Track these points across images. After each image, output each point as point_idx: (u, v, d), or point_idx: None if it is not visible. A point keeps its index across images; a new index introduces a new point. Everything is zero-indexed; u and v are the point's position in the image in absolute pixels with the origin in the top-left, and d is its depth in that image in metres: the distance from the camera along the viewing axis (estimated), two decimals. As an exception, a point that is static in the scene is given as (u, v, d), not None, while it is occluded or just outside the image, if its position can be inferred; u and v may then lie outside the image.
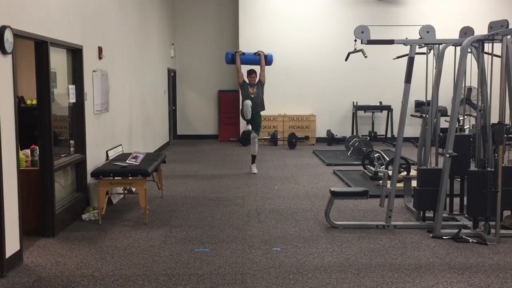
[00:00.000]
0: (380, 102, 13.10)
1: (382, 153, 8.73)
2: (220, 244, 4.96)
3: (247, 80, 8.89)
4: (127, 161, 6.04)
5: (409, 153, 9.89)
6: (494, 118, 5.05)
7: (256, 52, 9.17)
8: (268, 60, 9.17)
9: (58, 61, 5.53)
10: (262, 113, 8.95)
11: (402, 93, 5.53)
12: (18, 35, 4.37)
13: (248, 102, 8.61)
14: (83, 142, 5.97)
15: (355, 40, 5.63)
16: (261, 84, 8.89)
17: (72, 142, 5.93)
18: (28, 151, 5.39)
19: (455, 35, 5.98)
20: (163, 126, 12.09)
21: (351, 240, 5.10)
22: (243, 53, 9.10)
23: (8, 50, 4.13)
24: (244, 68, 9.03)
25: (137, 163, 6.01)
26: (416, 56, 5.55)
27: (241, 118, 9.41)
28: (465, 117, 9.58)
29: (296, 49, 13.22)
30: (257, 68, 8.98)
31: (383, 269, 4.32)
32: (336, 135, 13.06)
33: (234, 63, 9.01)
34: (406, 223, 5.64)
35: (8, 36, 4.11)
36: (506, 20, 5.22)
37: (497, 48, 5.12)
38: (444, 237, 5.13)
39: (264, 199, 6.93)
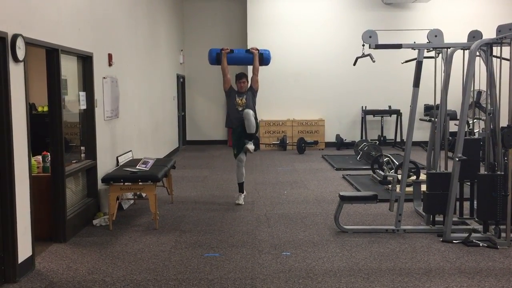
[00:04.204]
0: (389, 106, 13.08)
1: (391, 157, 8.71)
2: (230, 249, 4.98)
3: (235, 87, 6.86)
4: (137, 167, 6.08)
5: (419, 157, 9.86)
6: (504, 122, 5.03)
7: (249, 50, 7.07)
8: (265, 59, 7.03)
9: (69, 68, 5.59)
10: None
11: (410, 97, 5.53)
12: (30, 43, 4.43)
13: (249, 111, 6.61)
14: (94, 148, 6.03)
15: (363, 45, 5.64)
16: (252, 92, 6.79)
17: (82, 148, 5.99)
18: (39, 158, 5.44)
19: (463, 39, 5.97)
20: (172, 132, 12.15)
21: (360, 245, 5.09)
22: (231, 51, 6.94)
23: (20, 58, 4.18)
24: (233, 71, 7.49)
25: (147, 169, 6.05)
26: (425, 60, 5.55)
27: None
28: (475, 120, 9.56)
29: (304, 54, 13.25)
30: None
31: (393, 274, 4.31)
32: (345, 139, 13.07)
33: (220, 63, 6.88)
34: (416, 227, 5.62)
35: (20, 44, 4.17)
36: (515, 23, 5.22)
37: (506, 51, 5.11)
38: (454, 241, 5.11)
39: (273, 204, 6.94)
